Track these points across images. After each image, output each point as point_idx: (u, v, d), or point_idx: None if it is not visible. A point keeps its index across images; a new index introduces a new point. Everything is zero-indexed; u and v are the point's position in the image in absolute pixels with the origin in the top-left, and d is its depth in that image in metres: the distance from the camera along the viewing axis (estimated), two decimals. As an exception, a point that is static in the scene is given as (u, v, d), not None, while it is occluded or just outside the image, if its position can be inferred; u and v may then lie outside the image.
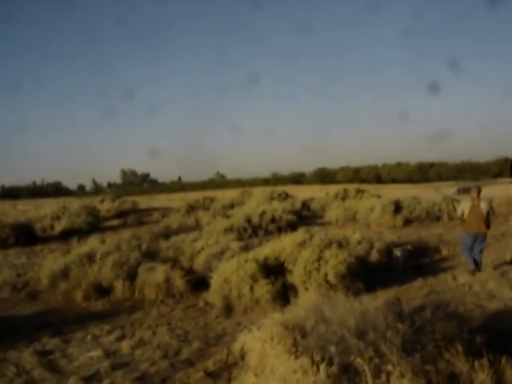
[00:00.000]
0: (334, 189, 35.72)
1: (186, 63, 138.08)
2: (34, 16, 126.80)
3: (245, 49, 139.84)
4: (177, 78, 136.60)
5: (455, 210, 11.26)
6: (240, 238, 16.81)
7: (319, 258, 9.70)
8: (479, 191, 10.55)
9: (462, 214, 10.65)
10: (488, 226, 10.56)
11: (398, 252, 12.43)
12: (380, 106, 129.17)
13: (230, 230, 19.18)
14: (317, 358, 4.84)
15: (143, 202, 43.57)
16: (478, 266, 10.74)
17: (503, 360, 5.01)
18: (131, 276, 11.16)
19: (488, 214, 10.49)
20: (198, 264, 11.78)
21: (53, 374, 6.86)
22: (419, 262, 12.48)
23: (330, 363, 4.77)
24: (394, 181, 65.21)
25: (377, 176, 68.86)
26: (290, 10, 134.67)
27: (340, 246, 11.08)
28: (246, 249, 12.34)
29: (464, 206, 10.68)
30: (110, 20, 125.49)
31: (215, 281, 9.80)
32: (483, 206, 10.45)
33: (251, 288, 9.36)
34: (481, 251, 10.76)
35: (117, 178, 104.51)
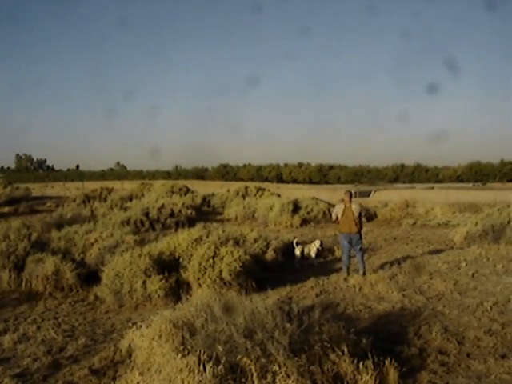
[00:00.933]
0: (235, 186, 35.91)
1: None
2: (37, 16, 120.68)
3: (244, 49, 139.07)
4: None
5: (330, 214, 11.58)
6: (136, 232, 16.55)
7: (215, 255, 9.66)
8: (351, 195, 11.36)
9: (337, 217, 11.27)
10: (360, 226, 11.24)
11: (298, 250, 12.58)
12: (379, 108, 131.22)
13: (126, 222, 18.84)
14: (204, 356, 4.81)
15: (37, 189, 42.16)
16: (363, 267, 11.18)
17: (387, 362, 5.17)
18: (18, 267, 10.67)
19: (360, 215, 11.25)
20: (91, 257, 11.40)
21: None
22: (311, 261, 12.70)
23: (217, 362, 4.75)
24: (295, 181, 66.41)
25: (278, 175, 69.85)
26: (290, 11, 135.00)
27: (237, 243, 11.10)
28: (142, 243, 12.10)
29: (338, 210, 11.30)
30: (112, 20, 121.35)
31: (107, 275, 9.54)
32: (354, 208, 11.11)
33: (144, 283, 9.18)
34: (361, 251, 11.30)
35: (11, 163, 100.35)
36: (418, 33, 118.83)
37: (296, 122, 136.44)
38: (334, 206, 12.20)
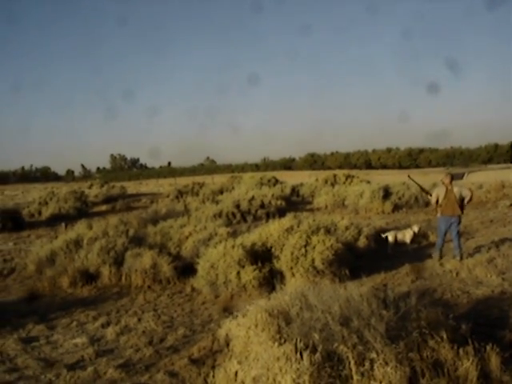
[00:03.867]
0: (323, 174, 35.70)
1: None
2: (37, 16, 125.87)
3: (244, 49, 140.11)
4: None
5: (428, 193, 11.36)
6: (228, 224, 16.80)
7: (306, 244, 9.66)
8: (452, 178, 11.24)
9: (437, 200, 11.12)
10: (462, 209, 11.06)
11: (391, 236, 12.40)
12: (379, 106, 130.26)
13: (218, 215, 19.18)
14: (300, 345, 4.81)
15: (132, 187, 43.53)
16: (460, 252, 10.90)
17: (488, 348, 4.99)
18: (118, 262, 11.08)
19: (462, 198, 11.01)
20: (186, 250, 11.69)
21: (36, 362, 6.80)
22: (406, 247, 12.46)
23: (314, 350, 4.74)
24: (384, 166, 65.34)
25: (367, 162, 68.96)
26: (290, 11, 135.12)
27: (328, 231, 11.03)
28: (234, 234, 12.28)
29: (439, 192, 11.13)
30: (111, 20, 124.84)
31: (202, 267, 9.74)
32: (456, 190, 10.97)
33: (238, 274, 9.31)
34: (458, 235, 11.07)
35: (106, 163, 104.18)
36: (418, 32, 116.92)
37: (296, 121, 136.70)
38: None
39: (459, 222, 11.07)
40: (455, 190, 10.94)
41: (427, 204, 21.69)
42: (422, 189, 12.13)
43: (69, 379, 6.16)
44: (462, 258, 10.69)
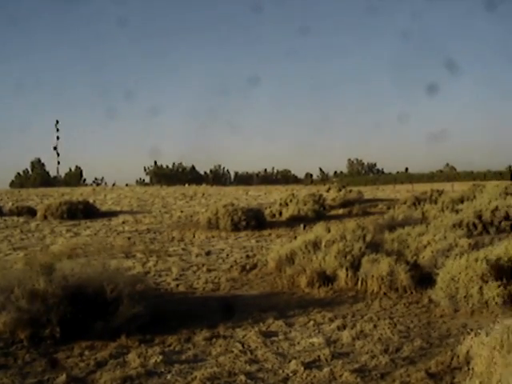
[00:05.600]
0: None
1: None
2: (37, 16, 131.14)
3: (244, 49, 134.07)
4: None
5: None
6: (469, 235, 15.98)
7: (560, 263, 8.85)
8: None
9: None
10: None
11: None
12: (378, 107, 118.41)
13: (458, 225, 18.33)
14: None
15: (368, 192, 43.59)
16: None
17: None
18: (354, 266, 11.17)
19: None
20: (423, 259, 11.39)
21: (275, 356, 7.13)
22: None
23: None
24: None
25: None
26: (290, 11, 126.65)
27: None
28: (476, 246, 11.67)
29: None
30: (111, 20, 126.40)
31: (441, 278, 9.40)
32: None
33: (480, 289, 8.82)
34: None
35: (343, 168, 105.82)
36: (417, 33, 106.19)
37: (296, 122, 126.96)
38: None
39: None
40: None
41: None
42: None
43: (305, 377, 6.37)
44: None
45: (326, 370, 6.51)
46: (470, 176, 75.89)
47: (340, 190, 42.32)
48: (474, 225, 19.50)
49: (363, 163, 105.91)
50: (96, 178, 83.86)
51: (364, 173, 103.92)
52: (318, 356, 7.11)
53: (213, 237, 20.50)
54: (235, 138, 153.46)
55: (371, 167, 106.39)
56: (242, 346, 7.62)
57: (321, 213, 26.67)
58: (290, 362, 6.89)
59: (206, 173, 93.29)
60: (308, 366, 6.73)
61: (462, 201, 27.37)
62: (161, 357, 7.15)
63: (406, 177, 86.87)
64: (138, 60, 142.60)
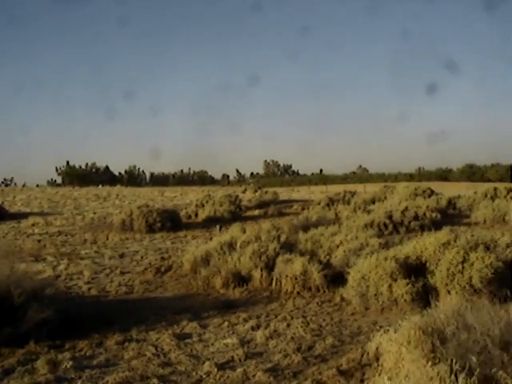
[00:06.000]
0: (482, 187, 33.95)
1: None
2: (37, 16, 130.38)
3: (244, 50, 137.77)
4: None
5: None
6: (380, 235, 16.44)
7: (464, 261, 9.20)
8: None
9: None
10: None
11: None
12: (378, 107, 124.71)
13: (370, 225, 18.85)
14: (456, 366, 4.57)
15: (284, 193, 44.07)
16: None
17: None
18: (269, 266, 11.26)
19: None
20: (336, 258, 11.62)
21: (189, 358, 7.07)
22: None
23: (470, 374, 4.48)
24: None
25: (532, 175, 64.63)
26: (290, 11, 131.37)
27: (487, 248, 10.44)
28: (386, 246, 12.02)
29: None
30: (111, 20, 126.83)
31: (352, 277, 9.61)
32: None
33: (390, 287, 9.08)
34: None
35: (259, 169, 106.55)
36: (417, 33, 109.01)
37: (296, 122, 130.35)
38: None
39: None
40: None
41: None
42: None
43: (218, 378, 6.34)
44: None
45: (239, 370, 6.51)
46: (381, 177, 78.19)
47: (256, 191, 42.65)
48: (385, 225, 20.11)
49: (279, 164, 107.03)
50: (5, 179, 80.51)
51: (280, 174, 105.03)
52: (232, 357, 7.10)
53: (127, 239, 20.15)
54: (235, 137, 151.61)
55: (287, 168, 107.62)
56: (156, 349, 7.50)
57: (237, 214, 26.79)
58: (203, 363, 6.84)
59: (120, 173, 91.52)
60: (221, 366, 6.70)
61: (373, 202, 28.22)
62: (71, 362, 6.93)
63: (320, 178, 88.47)
64: (138, 59, 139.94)
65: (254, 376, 6.34)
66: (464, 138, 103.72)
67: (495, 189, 30.84)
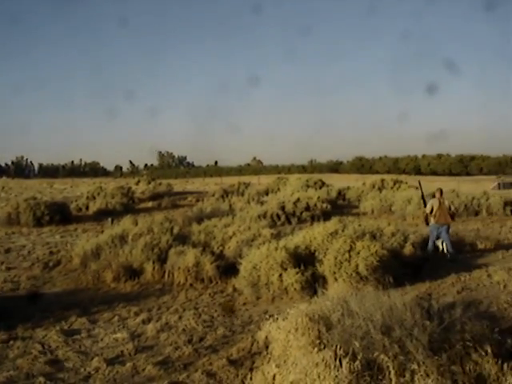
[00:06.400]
0: (371, 179, 35.31)
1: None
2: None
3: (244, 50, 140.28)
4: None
5: (425, 205, 13.22)
6: (273, 225, 16.74)
7: (351, 249, 9.54)
8: (442, 192, 13.00)
9: (432, 210, 12.68)
10: (453, 218, 13.01)
11: (440, 243, 12.37)
12: (379, 107, 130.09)
13: (263, 216, 19.12)
14: (340, 352, 4.72)
15: (179, 185, 43.90)
16: (452, 250, 12.34)
17: (535, 365, 4.81)
18: (162, 259, 11.17)
19: (449, 209, 12.90)
20: (229, 249, 11.69)
21: (77, 354, 6.89)
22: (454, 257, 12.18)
23: (354, 358, 4.65)
24: (434, 173, 64.23)
25: (416, 167, 67.94)
26: (290, 12, 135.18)
27: (373, 237, 10.86)
28: (278, 236, 12.22)
29: (433, 203, 12.74)
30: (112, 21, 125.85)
31: (244, 267, 9.72)
32: (446, 203, 12.90)
33: (280, 276, 9.25)
34: (449, 238, 12.56)
35: (154, 160, 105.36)
36: (417, 33, 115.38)
37: (296, 122, 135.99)
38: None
39: (449, 228, 12.69)
40: (446, 202, 12.85)
41: (477, 213, 21.32)
42: (423, 198, 13.65)
43: (107, 374, 6.22)
44: (448, 251, 12.21)
45: (128, 364, 6.42)
46: (275, 170, 79.47)
47: (149, 183, 42.13)
48: (278, 215, 20.48)
49: (173, 156, 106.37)
50: None
51: (175, 166, 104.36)
52: (122, 351, 6.99)
53: (13, 233, 19.33)
54: (235, 137, 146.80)
55: (182, 160, 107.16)
56: (42, 346, 7.25)
57: (129, 206, 26.39)
58: (92, 359, 6.68)
59: (7, 164, 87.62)
60: (111, 362, 6.58)
61: (267, 193, 28.68)
62: None
63: (215, 170, 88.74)
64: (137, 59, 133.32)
65: (143, 370, 6.27)
66: (464, 137, 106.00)
67: (382, 180, 32.21)
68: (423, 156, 70.94)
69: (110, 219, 20.65)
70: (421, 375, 4.37)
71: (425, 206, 13.06)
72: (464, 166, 65.42)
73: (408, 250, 11.91)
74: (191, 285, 10.53)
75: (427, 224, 12.78)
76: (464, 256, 12.59)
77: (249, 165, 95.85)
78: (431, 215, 12.65)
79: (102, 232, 15.12)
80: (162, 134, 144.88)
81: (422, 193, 13.77)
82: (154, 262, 11.03)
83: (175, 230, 12.64)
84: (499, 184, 37.37)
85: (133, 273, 11.09)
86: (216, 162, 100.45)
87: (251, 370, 5.88)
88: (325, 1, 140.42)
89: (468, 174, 62.25)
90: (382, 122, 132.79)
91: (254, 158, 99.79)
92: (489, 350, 4.74)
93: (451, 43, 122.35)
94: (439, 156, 69.27)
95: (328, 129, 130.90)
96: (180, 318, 8.44)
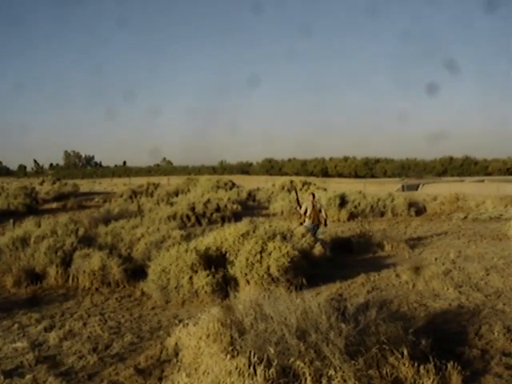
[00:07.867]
0: (280, 180, 35.63)
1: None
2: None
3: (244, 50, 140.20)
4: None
5: (300, 206, 14.07)
6: (183, 227, 16.43)
7: (262, 250, 9.41)
8: (314, 196, 14.01)
9: (306, 211, 13.60)
10: (324, 220, 13.77)
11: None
12: (378, 107, 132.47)
13: (172, 217, 18.78)
14: (254, 358, 4.55)
15: (85, 185, 42.69)
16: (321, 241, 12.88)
17: (449, 365, 4.82)
18: (66, 262, 10.65)
19: (320, 211, 13.77)
20: (137, 252, 11.31)
21: (-29, 367, 6.37)
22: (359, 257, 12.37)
23: (268, 365, 4.49)
24: (340, 175, 65.80)
25: (323, 169, 69.34)
26: (290, 12, 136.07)
27: (284, 238, 10.81)
28: (188, 238, 11.96)
29: (308, 206, 13.67)
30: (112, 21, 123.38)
31: (153, 270, 9.39)
32: (319, 206, 13.85)
33: (190, 279, 9.00)
34: (320, 236, 13.39)
35: (60, 160, 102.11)
36: (417, 33, 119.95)
37: (296, 122, 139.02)
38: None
39: (318, 227, 13.55)
40: (318, 205, 13.81)
41: (383, 214, 21.90)
42: (298, 201, 14.51)
43: (5, 387, 5.78)
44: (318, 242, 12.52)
45: (28, 376, 5.98)
46: (185, 170, 78.92)
47: (54, 183, 40.73)
48: (188, 217, 20.19)
49: (80, 156, 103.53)
50: None
51: (81, 166, 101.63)
52: (21, 362, 6.52)
53: None
54: (235, 137, 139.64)
55: (89, 160, 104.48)
56: None
57: (33, 207, 25.35)
58: (-13, 372, 6.19)
59: None
60: (9, 374, 6.12)
61: (177, 194, 28.26)
62: None
63: (123, 170, 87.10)
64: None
65: (44, 382, 5.86)
66: (463, 137, 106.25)
67: (291, 182, 32.55)
68: (330, 158, 72.47)
69: (11, 221, 19.63)
70: (338, 381, 4.26)
71: (300, 207, 13.85)
72: (369, 168, 67.36)
73: (318, 250, 11.97)
74: (97, 289, 10.09)
75: (301, 224, 13.52)
76: (372, 256, 12.78)
77: (158, 165, 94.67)
78: (305, 216, 13.62)
79: (3, 234, 14.30)
80: (161, 134, 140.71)
81: (298, 197, 14.85)
82: (57, 266, 10.49)
83: (80, 232, 12.12)
84: (403, 186, 38.74)
85: (35, 277, 10.52)
86: (125, 162, 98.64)
87: (160, 379, 5.61)
88: (325, 1, 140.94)
89: (373, 176, 64.15)
90: (382, 122, 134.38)
91: (164, 159, 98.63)
92: (405, 353, 4.71)
93: (451, 43, 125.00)
94: (345, 158, 70.95)
95: (328, 129, 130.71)
96: (85, 324, 8.01)
